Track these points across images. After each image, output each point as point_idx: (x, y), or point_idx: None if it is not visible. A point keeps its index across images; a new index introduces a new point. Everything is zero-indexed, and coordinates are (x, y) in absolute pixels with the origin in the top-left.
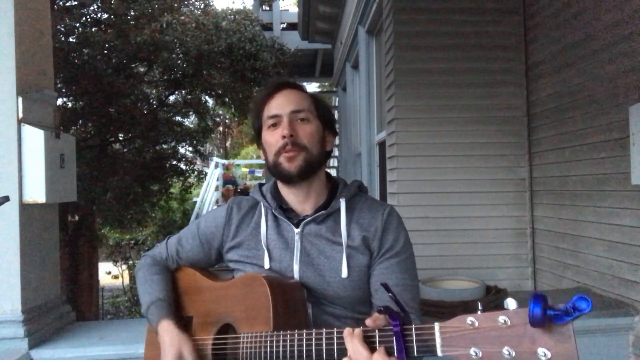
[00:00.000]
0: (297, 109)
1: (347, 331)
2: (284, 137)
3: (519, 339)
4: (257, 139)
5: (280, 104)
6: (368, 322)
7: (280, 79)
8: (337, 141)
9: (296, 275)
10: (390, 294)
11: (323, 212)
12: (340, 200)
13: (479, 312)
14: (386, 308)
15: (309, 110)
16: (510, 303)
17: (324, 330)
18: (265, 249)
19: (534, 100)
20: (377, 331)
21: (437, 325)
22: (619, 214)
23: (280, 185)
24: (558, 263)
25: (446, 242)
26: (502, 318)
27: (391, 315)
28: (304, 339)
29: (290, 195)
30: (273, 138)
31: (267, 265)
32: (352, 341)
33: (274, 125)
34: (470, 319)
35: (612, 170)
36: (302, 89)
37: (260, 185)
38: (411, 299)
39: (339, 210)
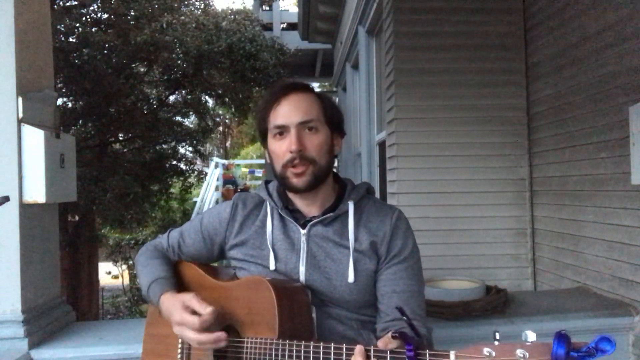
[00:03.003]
0: (305, 120)
1: (358, 348)
2: (291, 151)
3: None
4: (262, 141)
5: (287, 113)
6: (380, 343)
7: (288, 81)
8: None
9: (302, 277)
10: (404, 318)
11: (331, 214)
12: (349, 203)
13: (495, 342)
14: (401, 334)
15: (317, 119)
16: (530, 335)
17: (332, 345)
18: (270, 249)
19: (534, 100)
20: (389, 352)
21: (452, 354)
22: (619, 214)
23: None
24: (558, 263)
25: (446, 242)
26: (520, 351)
27: (405, 339)
28: (311, 351)
29: (296, 199)
30: (280, 149)
31: (272, 266)
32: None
33: (281, 134)
34: (487, 349)
35: (612, 170)
36: (310, 91)
37: (267, 182)
38: (417, 305)
39: (346, 212)
